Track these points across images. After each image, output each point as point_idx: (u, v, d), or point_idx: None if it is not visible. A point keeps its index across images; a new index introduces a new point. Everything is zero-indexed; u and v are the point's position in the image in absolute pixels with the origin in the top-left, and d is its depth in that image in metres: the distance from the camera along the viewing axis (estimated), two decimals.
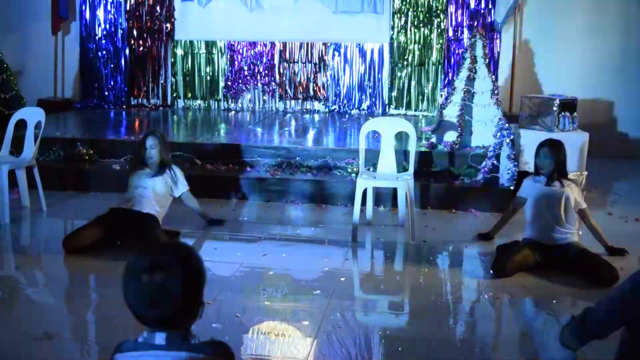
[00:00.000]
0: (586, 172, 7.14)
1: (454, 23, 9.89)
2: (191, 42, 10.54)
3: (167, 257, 1.88)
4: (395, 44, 10.04)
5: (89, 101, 10.48)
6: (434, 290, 4.87)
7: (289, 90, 10.43)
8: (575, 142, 7.15)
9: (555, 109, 7.15)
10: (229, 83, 10.52)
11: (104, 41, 10.57)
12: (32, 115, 6.67)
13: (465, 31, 9.77)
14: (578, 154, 7.15)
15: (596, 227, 5.42)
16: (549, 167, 5.20)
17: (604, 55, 9.58)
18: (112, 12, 10.53)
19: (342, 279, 4.98)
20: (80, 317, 4.42)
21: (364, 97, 10.24)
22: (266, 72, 10.43)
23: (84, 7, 10.50)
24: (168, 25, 10.50)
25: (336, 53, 10.26)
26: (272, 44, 10.39)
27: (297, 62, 10.38)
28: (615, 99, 9.63)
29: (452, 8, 9.86)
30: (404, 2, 9.95)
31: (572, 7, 9.62)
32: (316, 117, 10.05)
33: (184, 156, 7.49)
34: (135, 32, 10.54)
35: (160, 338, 1.89)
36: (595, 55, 9.60)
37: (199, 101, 10.62)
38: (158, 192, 5.71)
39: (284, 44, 10.37)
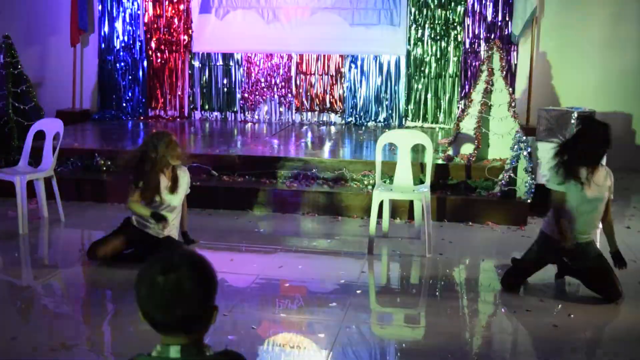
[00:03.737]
0: None
1: (470, 35, 9.88)
2: (208, 54, 10.60)
3: (178, 259, 1.88)
4: (412, 56, 10.05)
5: (107, 112, 10.56)
6: (450, 303, 4.84)
7: (305, 102, 10.45)
8: None
9: (572, 121, 7.12)
10: (246, 95, 10.56)
11: (122, 53, 10.65)
12: (51, 126, 6.73)
13: (482, 43, 9.76)
14: None
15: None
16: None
17: (622, 68, 9.53)
18: (131, 25, 10.61)
19: (358, 292, 4.97)
20: (97, 328, 4.44)
21: (380, 109, 10.24)
22: (283, 84, 10.46)
23: (102, 20, 10.60)
24: (186, 37, 10.57)
25: (353, 65, 10.27)
26: (289, 56, 10.42)
27: (314, 74, 10.40)
28: (632, 111, 9.57)
29: (469, 20, 9.85)
30: (421, 15, 9.95)
31: (590, 19, 9.59)
32: (332, 129, 10.06)
33: (201, 167, 7.52)
34: (153, 44, 10.61)
35: (174, 351, 1.88)
36: (612, 68, 9.55)
37: (215, 113, 10.66)
38: (177, 205, 5.59)
39: (301, 56, 10.39)
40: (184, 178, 5.60)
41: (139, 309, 1.88)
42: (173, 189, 5.48)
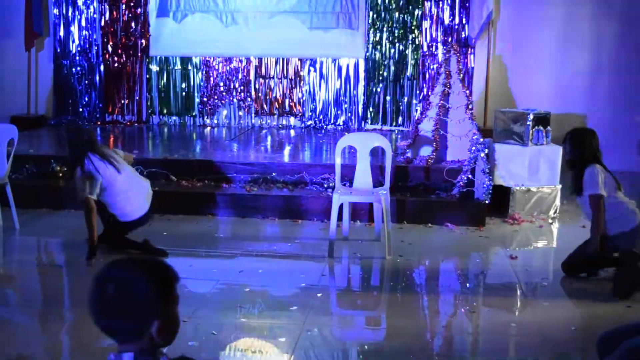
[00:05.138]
0: (560, 185, 7.21)
1: (428, 38, 9.96)
2: (166, 58, 10.51)
3: (118, 267, 1.91)
4: (370, 60, 10.10)
5: (63, 118, 10.39)
6: (411, 305, 4.87)
7: (264, 105, 10.43)
8: (548, 156, 7.24)
9: (529, 123, 7.22)
10: (205, 99, 10.49)
11: (78, 57, 10.49)
12: (5, 132, 6.60)
13: (440, 46, 9.85)
14: (552, 167, 7.23)
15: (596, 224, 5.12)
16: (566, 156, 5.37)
17: (575, 69, 9.70)
18: (87, 29, 10.47)
19: (319, 295, 4.97)
20: (55, 338, 4.37)
21: (339, 112, 10.27)
22: (242, 87, 10.42)
23: (58, 24, 10.44)
24: (143, 41, 10.47)
25: (312, 68, 10.28)
26: (248, 60, 10.39)
27: (273, 77, 10.39)
28: (587, 112, 9.74)
29: (426, 24, 9.93)
30: (379, 18, 10.01)
31: (544, 22, 9.75)
32: (292, 132, 10.06)
33: (160, 172, 7.45)
34: (110, 48, 10.48)
35: (127, 358, 1.89)
36: (566, 70, 9.72)
37: (174, 117, 10.58)
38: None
39: (260, 60, 10.37)
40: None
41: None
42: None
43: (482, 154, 6.83)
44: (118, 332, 1.90)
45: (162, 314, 1.89)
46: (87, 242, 5.50)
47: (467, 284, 5.33)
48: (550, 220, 7.02)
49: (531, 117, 7.22)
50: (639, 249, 5.03)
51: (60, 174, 7.52)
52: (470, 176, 6.89)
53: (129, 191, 5.64)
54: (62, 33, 10.47)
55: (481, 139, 7.01)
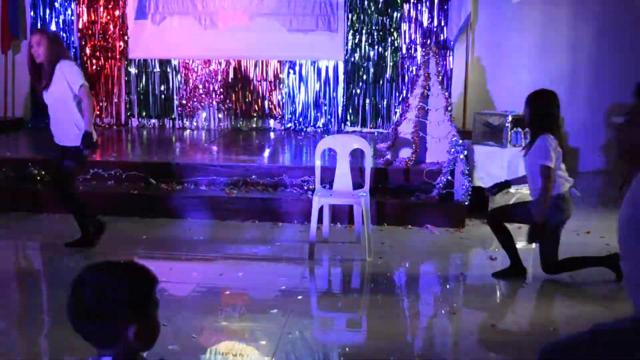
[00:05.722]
0: None
1: (407, 41, 10.00)
2: (145, 61, 10.46)
3: (93, 272, 1.91)
4: (349, 62, 10.11)
5: (41, 121, 10.29)
6: (391, 306, 4.88)
7: (244, 108, 10.41)
8: None
9: (507, 125, 7.27)
10: (184, 101, 10.46)
11: None
12: None
13: (419, 49, 9.89)
14: None
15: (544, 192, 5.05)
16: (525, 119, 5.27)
17: (553, 72, 9.76)
18: (64, 31, 10.40)
19: (300, 298, 4.97)
20: (32, 343, 4.33)
21: (319, 114, 10.28)
22: (221, 90, 10.40)
23: (35, 26, 10.34)
24: (122, 43, 10.41)
25: (291, 71, 10.28)
26: (227, 62, 10.36)
27: (252, 80, 10.38)
28: (565, 115, 9.80)
29: (405, 26, 9.97)
30: (358, 20, 10.03)
31: (523, 25, 9.82)
32: (272, 134, 10.05)
33: (139, 175, 7.41)
34: (88, 51, 10.42)
35: None
36: (544, 72, 9.78)
37: (153, 120, 10.53)
38: (65, 97, 5.61)
39: (239, 62, 10.35)
40: (61, 70, 5.58)
41: None
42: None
43: (461, 156, 6.86)
44: (95, 337, 1.90)
45: (140, 318, 1.88)
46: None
47: (447, 286, 5.34)
48: None
49: (510, 118, 7.27)
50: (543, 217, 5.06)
51: (38, 177, 7.45)
52: (449, 178, 6.93)
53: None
54: None
55: (460, 141, 7.04)
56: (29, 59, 5.69)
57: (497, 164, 7.22)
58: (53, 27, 10.34)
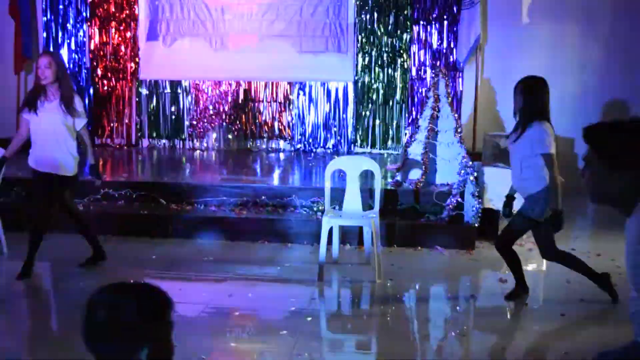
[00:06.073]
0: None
1: (417, 62, 10.03)
2: (156, 82, 10.53)
3: (108, 292, 1.91)
4: (359, 83, 10.15)
5: None
6: (401, 329, 4.86)
7: (254, 129, 10.44)
8: None
9: None
10: (194, 122, 10.50)
11: None
12: None
13: (428, 70, 9.91)
14: None
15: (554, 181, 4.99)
16: (517, 107, 5.10)
17: (562, 93, 9.75)
18: (77, 52, 10.49)
19: (309, 319, 4.95)
20: None
21: (329, 135, 10.30)
22: (231, 111, 10.44)
23: (47, 47, 10.44)
24: (133, 64, 10.49)
25: (301, 92, 10.32)
26: (237, 83, 10.41)
27: (262, 101, 10.42)
28: (574, 136, 9.81)
29: (415, 48, 10.00)
30: (368, 42, 10.07)
31: (531, 47, 9.83)
32: (282, 156, 10.07)
33: (149, 196, 7.43)
34: (99, 72, 10.50)
35: None
36: (554, 93, 9.72)
37: (164, 140, 10.57)
38: (63, 125, 5.61)
39: (249, 83, 10.40)
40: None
41: None
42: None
43: (471, 177, 6.85)
44: (108, 357, 1.89)
45: (153, 340, 1.88)
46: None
47: (457, 308, 5.32)
48: None
49: None
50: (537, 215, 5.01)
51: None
52: (459, 199, 6.91)
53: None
54: None
55: (470, 162, 7.04)
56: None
57: (507, 186, 7.18)
58: (65, 48, 10.44)
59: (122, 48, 10.47)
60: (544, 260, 5.72)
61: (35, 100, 5.60)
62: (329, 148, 10.24)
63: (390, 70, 10.09)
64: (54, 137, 5.62)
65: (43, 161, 5.68)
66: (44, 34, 10.49)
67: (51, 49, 10.37)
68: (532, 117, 5.02)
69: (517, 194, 5.37)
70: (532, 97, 5.06)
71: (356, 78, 10.13)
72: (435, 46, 9.96)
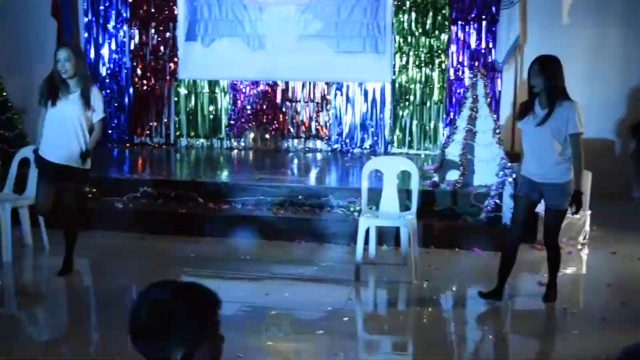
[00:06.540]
0: (590, 211, 7.13)
1: (455, 63, 9.96)
2: (194, 81, 10.61)
3: (154, 290, 1.92)
4: (397, 83, 10.11)
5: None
6: (438, 330, 4.83)
7: (291, 129, 10.47)
8: None
9: None
10: (232, 122, 10.56)
11: (107, 80, 10.64)
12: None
13: (467, 71, 9.84)
14: None
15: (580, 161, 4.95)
16: (540, 86, 4.91)
17: (604, 95, 9.62)
18: (117, 52, 10.63)
19: (345, 319, 4.95)
20: (82, 357, 4.38)
21: (366, 136, 10.28)
22: (269, 111, 10.48)
23: (88, 47, 10.60)
24: (171, 64, 10.59)
25: (338, 92, 10.32)
26: (275, 83, 10.45)
27: (300, 101, 10.44)
28: (616, 138, 9.66)
29: (453, 48, 9.94)
30: (406, 42, 10.03)
31: (572, 48, 9.67)
32: (318, 155, 10.08)
33: (187, 194, 7.50)
34: (139, 72, 10.62)
35: None
36: (595, 94, 9.63)
37: (201, 140, 10.65)
38: (81, 118, 5.59)
39: (287, 83, 10.43)
40: (92, 95, 5.66)
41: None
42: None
43: (510, 179, 6.79)
44: (148, 354, 1.91)
45: (202, 339, 1.89)
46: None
47: (495, 310, 5.27)
48: (579, 247, 6.92)
49: None
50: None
51: (90, 195, 7.58)
52: (497, 201, 6.85)
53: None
54: (92, 56, 10.62)
55: (508, 164, 6.97)
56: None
57: None
58: (105, 49, 10.58)
59: (162, 48, 10.57)
60: (584, 263, 5.66)
61: (56, 92, 5.62)
62: (365, 148, 10.22)
63: (427, 71, 10.03)
64: (71, 129, 5.62)
65: (55, 151, 5.64)
66: (85, 34, 10.65)
67: (92, 50, 10.54)
68: (560, 95, 4.89)
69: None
70: (555, 75, 4.91)
71: (393, 78, 10.10)
72: (473, 46, 9.88)
